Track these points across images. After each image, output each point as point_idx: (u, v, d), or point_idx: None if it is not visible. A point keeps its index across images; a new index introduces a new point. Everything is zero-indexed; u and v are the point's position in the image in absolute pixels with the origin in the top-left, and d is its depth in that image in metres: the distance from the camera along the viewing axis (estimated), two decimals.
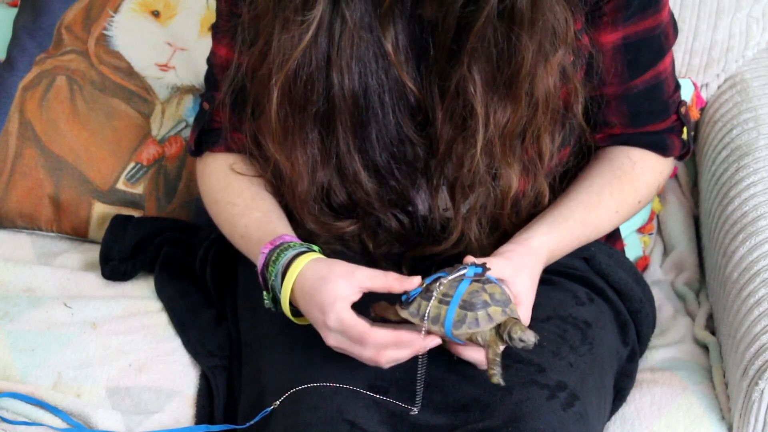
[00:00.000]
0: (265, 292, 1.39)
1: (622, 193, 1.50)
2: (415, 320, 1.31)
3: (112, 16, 1.84)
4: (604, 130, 1.50)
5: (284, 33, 1.37)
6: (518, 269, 1.37)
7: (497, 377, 1.29)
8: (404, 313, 1.31)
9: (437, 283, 1.31)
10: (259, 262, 1.39)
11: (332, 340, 1.33)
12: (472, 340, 1.30)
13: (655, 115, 1.51)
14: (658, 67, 1.48)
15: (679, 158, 1.57)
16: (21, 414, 1.47)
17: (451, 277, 1.31)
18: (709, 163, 1.79)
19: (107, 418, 1.47)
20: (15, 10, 1.90)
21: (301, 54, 1.36)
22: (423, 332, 1.31)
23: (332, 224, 1.47)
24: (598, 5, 1.41)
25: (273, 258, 1.37)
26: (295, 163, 1.42)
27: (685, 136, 1.55)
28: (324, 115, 1.40)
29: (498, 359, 1.29)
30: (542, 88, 1.37)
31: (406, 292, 1.32)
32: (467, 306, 1.29)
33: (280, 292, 1.36)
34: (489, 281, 1.32)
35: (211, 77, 1.54)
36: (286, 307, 1.36)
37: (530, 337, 1.29)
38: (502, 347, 1.30)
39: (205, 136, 1.55)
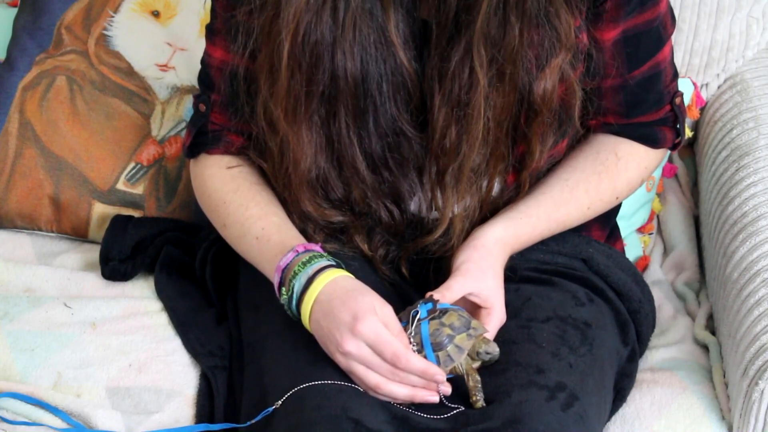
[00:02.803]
0: (284, 288, 1.39)
1: (598, 191, 1.51)
2: None
3: (112, 16, 1.84)
4: (597, 117, 1.51)
5: None
6: (479, 278, 1.41)
7: (480, 402, 1.34)
8: None
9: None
10: (286, 258, 1.39)
11: (353, 346, 1.33)
12: (454, 372, 1.36)
13: (650, 104, 1.51)
14: (657, 58, 1.49)
15: (672, 148, 1.57)
16: (21, 414, 1.47)
17: (412, 328, 1.36)
18: (709, 163, 1.79)
19: (107, 418, 1.47)
20: (15, 10, 1.90)
21: (308, 19, 1.37)
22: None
23: (326, 210, 1.47)
24: (598, 2, 1.42)
25: (305, 259, 1.39)
26: (301, 139, 1.43)
27: (680, 127, 1.55)
28: (328, 97, 1.41)
29: (479, 386, 1.35)
30: (540, 89, 1.38)
31: None
32: (436, 347, 1.35)
33: (298, 293, 1.37)
34: (444, 311, 1.37)
35: (206, 78, 1.54)
36: (309, 303, 1.37)
37: (494, 348, 1.36)
38: (476, 365, 1.36)
39: (202, 138, 1.54)
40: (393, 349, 1.32)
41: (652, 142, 1.53)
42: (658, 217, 1.89)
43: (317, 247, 1.42)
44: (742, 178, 1.66)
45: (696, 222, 1.87)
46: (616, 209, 1.62)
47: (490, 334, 1.40)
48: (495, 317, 1.41)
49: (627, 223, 1.81)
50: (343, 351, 1.34)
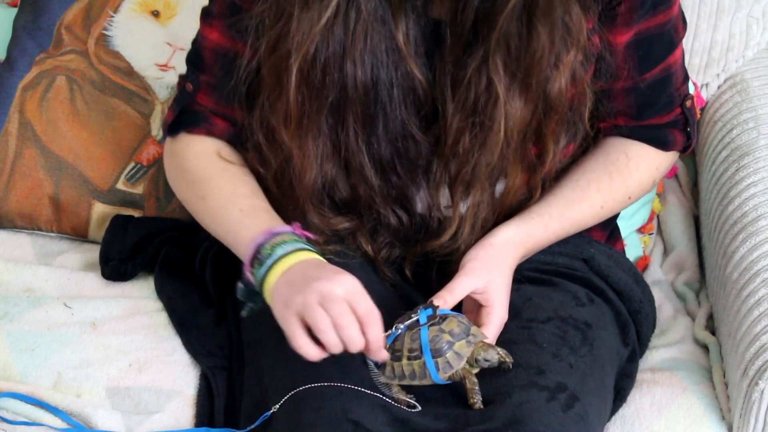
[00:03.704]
0: (267, 247, 1.36)
1: (610, 190, 1.51)
2: (394, 382, 1.36)
3: (112, 16, 1.84)
4: (608, 120, 1.51)
5: (304, 12, 1.37)
6: (482, 275, 1.41)
7: (479, 404, 1.34)
8: (382, 378, 1.36)
9: (400, 342, 1.36)
10: (281, 228, 1.38)
11: (334, 287, 1.30)
12: (452, 378, 1.35)
13: (660, 107, 1.52)
14: (668, 60, 1.49)
15: (682, 151, 1.57)
16: (21, 414, 1.47)
17: (411, 333, 1.36)
18: (709, 163, 1.79)
19: (107, 418, 1.47)
20: (15, 10, 1.90)
21: (320, 37, 1.37)
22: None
23: (331, 219, 1.47)
24: (611, 5, 1.42)
25: (298, 238, 1.37)
26: (306, 152, 1.42)
27: (691, 129, 1.55)
28: (337, 105, 1.41)
29: (476, 388, 1.34)
30: (555, 88, 1.38)
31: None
32: (435, 353, 1.34)
33: (283, 254, 1.35)
34: (444, 317, 1.36)
35: (197, 59, 1.52)
36: (297, 258, 1.34)
37: (493, 355, 1.35)
38: (476, 371, 1.35)
39: (185, 117, 1.53)
40: (371, 306, 1.30)
41: (662, 144, 1.53)
42: (658, 217, 1.89)
43: (309, 234, 1.41)
44: (742, 178, 1.66)
45: (696, 222, 1.87)
46: None
47: (491, 336, 1.40)
48: (495, 316, 1.40)
49: (627, 223, 1.81)
50: (318, 287, 1.30)
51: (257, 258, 1.37)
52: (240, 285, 1.39)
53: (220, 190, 1.49)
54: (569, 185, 1.50)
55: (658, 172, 1.56)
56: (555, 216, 1.48)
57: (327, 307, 1.30)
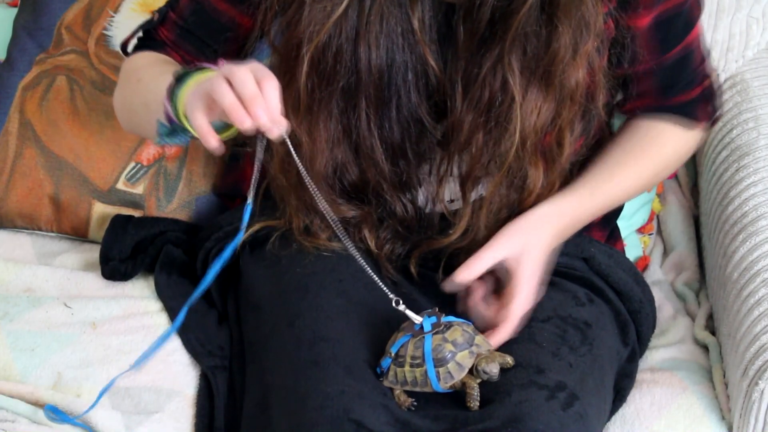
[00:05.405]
0: (187, 68, 1.32)
1: (636, 167, 1.52)
2: (396, 387, 1.37)
3: (112, 16, 1.84)
4: (632, 102, 1.51)
5: (316, 2, 1.37)
6: (516, 240, 1.40)
7: (475, 407, 1.34)
8: (386, 383, 1.37)
9: (404, 348, 1.36)
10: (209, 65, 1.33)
11: (241, 68, 1.24)
12: (454, 387, 1.36)
13: (683, 85, 1.52)
14: (687, 39, 1.50)
15: (710, 124, 1.58)
16: (21, 414, 1.47)
17: (415, 340, 1.36)
18: (709, 163, 1.79)
19: (107, 418, 1.47)
20: (15, 10, 1.90)
21: (333, 26, 1.37)
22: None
23: (340, 205, 1.47)
24: None
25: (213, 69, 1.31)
26: (317, 138, 1.42)
27: (716, 103, 1.56)
28: (348, 89, 1.41)
29: (475, 393, 1.34)
30: (572, 80, 1.38)
31: (379, 366, 1.38)
32: (437, 363, 1.35)
33: (189, 75, 1.31)
34: (449, 326, 1.36)
35: (174, 1, 1.54)
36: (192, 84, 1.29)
37: (494, 368, 1.34)
38: (477, 380, 1.35)
39: (143, 41, 1.55)
40: (270, 73, 1.23)
41: (688, 120, 1.53)
42: (658, 217, 1.90)
43: None
44: (742, 178, 1.66)
45: (696, 222, 1.87)
46: (617, 210, 1.62)
47: (511, 324, 1.40)
48: (518, 298, 1.40)
49: (627, 224, 1.81)
50: (224, 70, 1.24)
51: (175, 80, 1.32)
52: (158, 120, 1.34)
53: (159, 69, 1.47)
54: (597, 166, 1.51)
55: (688, 147, 1.56)
56: (585, 195, 1.48)
57: (229, 77, 1.23)
